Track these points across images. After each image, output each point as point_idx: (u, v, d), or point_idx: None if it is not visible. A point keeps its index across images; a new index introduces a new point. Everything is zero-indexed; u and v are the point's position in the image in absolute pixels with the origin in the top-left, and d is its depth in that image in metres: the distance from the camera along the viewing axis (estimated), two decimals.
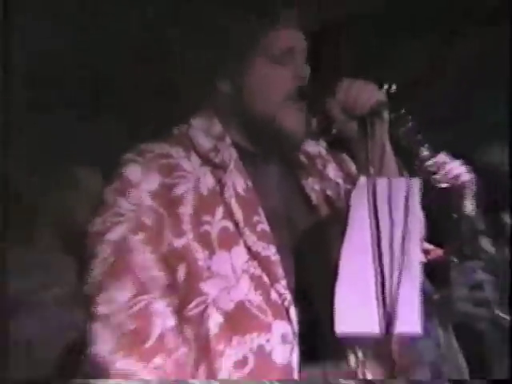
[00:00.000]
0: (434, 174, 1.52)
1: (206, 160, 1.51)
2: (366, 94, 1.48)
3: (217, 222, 1.47)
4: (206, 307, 1.43)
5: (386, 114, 1.48)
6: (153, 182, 1.48)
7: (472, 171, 1.56)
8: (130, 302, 1.42)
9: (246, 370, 1.41)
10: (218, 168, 1.51)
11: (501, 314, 1.81)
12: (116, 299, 1.41)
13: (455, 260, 1.69)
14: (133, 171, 1.48)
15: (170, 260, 1.44)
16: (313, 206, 1.60)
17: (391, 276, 1.40)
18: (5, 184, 2.05)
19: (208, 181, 1.50)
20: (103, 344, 1.39)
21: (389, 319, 1.39)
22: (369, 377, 1.51)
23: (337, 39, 1.79)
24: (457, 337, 2.02)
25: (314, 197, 1.61)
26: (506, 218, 1.75)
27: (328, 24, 1.60)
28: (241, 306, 1.43)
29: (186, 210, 1.46)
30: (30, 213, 1.93)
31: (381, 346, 1.46)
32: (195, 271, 1.44)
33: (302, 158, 1.65)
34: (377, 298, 1.40)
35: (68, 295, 1.51)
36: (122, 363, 1.37)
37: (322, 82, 1.49)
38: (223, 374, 1.40)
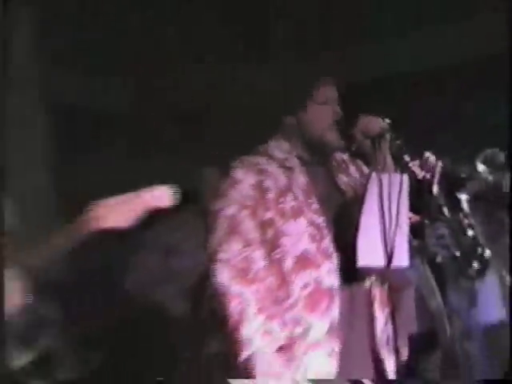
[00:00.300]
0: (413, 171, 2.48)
1: (280, 166, 2.47)
2: (375, 124, 2.43)
3: (288, 203, 2.43)
4: (284, 254, 2.40)
5: (387, 136, 2.44)
6: (250, 179, 2.44)
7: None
8: (240, 251, 2.38)
9: (308, 290, 2.38)
10: (288, 170, 2.47)
11: (456, 253, 2.80)
12: (231, 249, 2.38)
13: (427, 222, 2.63)
14: (238, 173, 2.45)
15: (263, 226, 2.40)
16: (342, 191, 2.56)
17: (390, 232, 2.36)
18: None
19: (282, 178, 2.45)
20: (223, 276, 2.36)
21: (389, 257, 2.36)
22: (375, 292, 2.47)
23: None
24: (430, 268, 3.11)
25: (342, 186, 2.57)
26: (460, 195, 2.68)
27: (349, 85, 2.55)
28: (303, 253, 2.39)
29: (271, 196, 2.42)
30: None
31: (384, 274, 2.44)
32: (277, 233, 2.40)
33: (334, 162, 2.62)
34: (382, 244, 2.36)
35: (202, 245, 2.47)
36: (234, 288, 2.33)
37: (348, 117, 2.45)
38: (295, 293, 2.36)
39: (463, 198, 2.64)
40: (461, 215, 2.69)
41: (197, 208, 3.12)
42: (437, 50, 5.10)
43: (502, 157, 2.52)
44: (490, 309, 3.40)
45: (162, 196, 2.05)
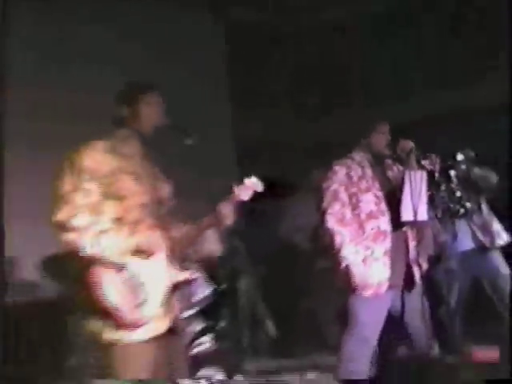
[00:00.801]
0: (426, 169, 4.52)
1: (358, 165, 4.45)
2: (407, 144, 4.46)
3: (363, 184, 4.38)
4: (361, 211, 4.37)
5: (413, 151, 4.46)
6: (343, 170, 4.43)
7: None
8: (339, 209, 4.33)
9: (373, 231, 4.34)
10: (362, 167, 4.46)
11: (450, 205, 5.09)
12: (334, 208, 4.36)
13: (435, 192, 4.78)
14: (336, 167, 4.44)
15: (350, 196, 4.38)
16: (390, 180, 4.56)
17: (416, 201, 4.37)
18: None
19: (359, 171, 4.42)
20: (330, 223, 4.41)
21: (415, 215, 4.42)
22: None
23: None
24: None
25: (390, 177, 4.58)
26: (450, 172, 5.00)
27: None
28: (370, 211, 4.36)
29: (354, 180, 4.37)
30: None
31: (414, 223, 4.49)
32: (357, 200, 4.39)
33: (386, 164, 4.62)
34: (412, 208, 4.34)
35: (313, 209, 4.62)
36: (337, 229, 4.34)
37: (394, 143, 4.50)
38: (366, 232, 4.33)
39: (452, 174, 4.79)
40: (451, 184, 4.89)
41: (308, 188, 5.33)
42: None
43: (471, 153, 4.75)
44: (464, 241, 5.62)
45: (255, 184, 3.48)
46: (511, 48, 5.72)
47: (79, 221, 3.08)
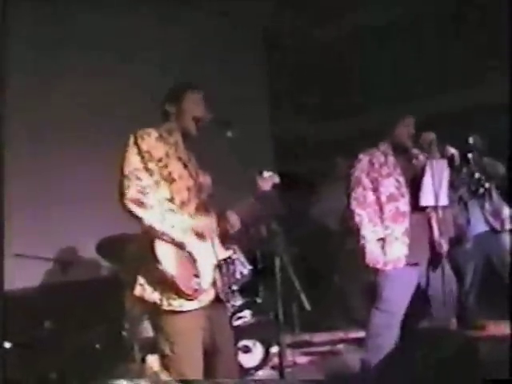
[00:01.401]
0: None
1: (382, 153, 4.86)
2: (429, 136, 4.80)
3: (384, 170, 4.82)
4: (381, 194, 4.80)
5: (434, 141, 4.83)
6: (366, 158, 4.86)
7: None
8: (361, 193, 4.82)
9: (392, 212, 4.76)
10: (385, 155, 4.85)
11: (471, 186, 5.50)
12: (357, 192, 4.83)
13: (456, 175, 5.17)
14: (361, 156, 4.89)
15: (372, 181, 4.83)
16: (415, 168, 4.89)
17: (438, 186, 4.73)
18: None
19: (382, 158, 4.84)
20: (352, 205, 4.84)
21: (437, 199, 4.78)
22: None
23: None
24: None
25: (415, 163, 4.90)
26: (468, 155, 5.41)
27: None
28: (391, 193, 4.79)
29: (376, 166, 4.83)
30: None
31: (435, 208, 4.88)
32: (378, 184, 4.82)
33: (411, 153, 4.97)
34: (433, 193, 4.73)
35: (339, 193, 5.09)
36: (357, 211, 4.81)
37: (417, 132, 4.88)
38: (386, 213, 4.76)
39: (470, 156, 5.23)
40: (470, 167, 5.32)
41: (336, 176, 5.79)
42: None
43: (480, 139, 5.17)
44: (478, 225, 6.03)
45: (271, 177, 3.89)
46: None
47: (150, 199, 3.45)
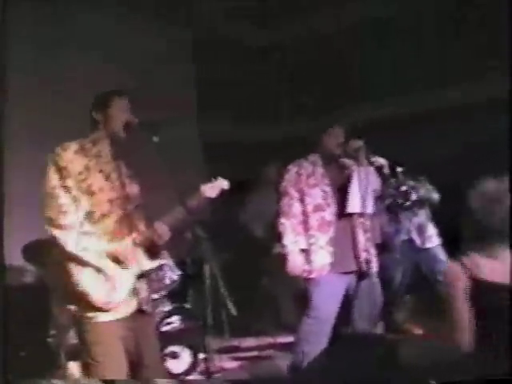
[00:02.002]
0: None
1: (310, 163, 4.94)
2: (356, 143, 4.85)
3: (312, 180, 4.91)
4: (308, 204, 4.86)
5: (362, 149, 4.86)
6: (294, 169, 4.95)
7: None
8: (287, 203, 4.91)
9: (318, 222, 4.82)
10: (314, 165, 4.92)
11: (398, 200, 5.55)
12: (284, 203, 4.90)
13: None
14: (290, 167, 4.94)
15: (298, 191, 4.90)
16: (344, 177, 4.90)
17: (364, 194, 4.82)
18: None
19: (310, 169, 4.92)
20: (279, 214, 4.88)
21: (362, 207, 4.82)
22: None
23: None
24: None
25: (344, 171, 4.95)
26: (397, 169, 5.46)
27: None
28: (317, 203, 4.86)
29: (303, 178, 4.92)
30: None
31: (360, 215, 4.94)
32: (305, 194, 4.88)
33: (339, 162, 5.02)
34: (359, 201, 4.79)
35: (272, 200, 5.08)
36: (281, 220, 4.87)
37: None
38: (312, 222, 4.81)
39: (398, 170, 5.28)
40: (398, 180, 5.38)
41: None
42: None
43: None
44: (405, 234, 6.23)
45: (221, 184, 3.98)
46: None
47: (67, 219, 3.47)
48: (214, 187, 3.95)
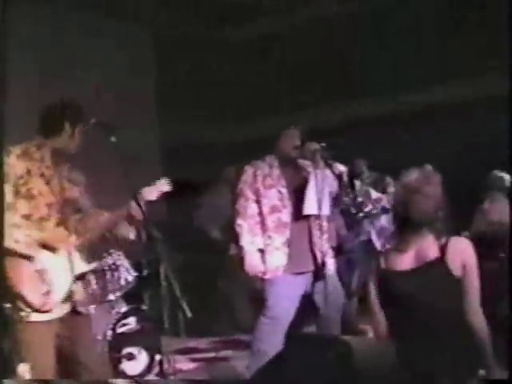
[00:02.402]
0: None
1: (267, 164, 4.94)
2: (313, 146, 4.87)
3: (268, 181, 4.91)
4: (264, 205, 4.84)
5: (319, 152, 4.87)
6: (251, 170, 4.93)
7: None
8: (243, 204, 4.86)
9: (275, 223, 4.81)
10: (271, 167, 4.93)
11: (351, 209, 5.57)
12: (240, 203, 4.89)
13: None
14: (247, 168, 4.94)
15: (255, 192, 4.88)
16: (300, 179, 4.91)
17: (320, 196, 4.84)
18: None
19: (267, 170, 4.93)
20: (236, 215, 4.88)
21: (319, 209, 4.86)
22: None
23: None
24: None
25: (302, 173, 4.94)
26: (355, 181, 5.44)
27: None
28: (274, 205, 4.84)
29: (260, 178, 4.91)
30: None
31: (317, 217, 4.95)
32: (261, 195, 4.86)
33: (297, 164, 5.01)
34: (316, 203, 4.82)
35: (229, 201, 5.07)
36: (238, 221, 4.86)
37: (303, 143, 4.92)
38: (268, 224, 4.80)
39: (356, 183, 5.30)
40: (355, 191, 5.40)
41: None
42: None
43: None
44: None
45: (162, 186, 3.89)
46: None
47: None
48: (153, 190, 3.92)
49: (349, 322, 6.15)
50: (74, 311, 3.74)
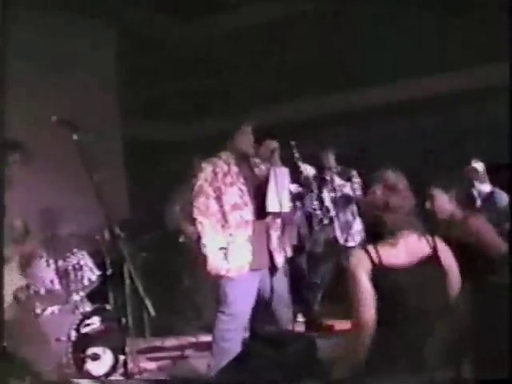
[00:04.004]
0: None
1: (225, 162, 4.91)
2: (271, 144, 4.90)
3: (228, 179, 4.89)
4: (225, 203, 4.80)
5: (277, 150, 4.92)
6: (210, 168, 4.94)
7: None
8: (203, 202, 4.84)
9: (236, 220, 4.80)
10: (228, 164, 4.93)
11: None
12: (199, 201, 4.85)
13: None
14: (204, 164, 4.96)
15: (215, 190, 4.86)
16: (257, 176, 4.95)
17: (280, 194, 4.86)
18: None
19: (225, 168, 4.89)
20: (195, 213, 4.90)
21: (280, 206, 4.90)
22: None
23: None
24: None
25: (257, 172, 4.97)
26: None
27: None
28: (235, 203, 4.80)
29: (220, 176, 4.89)
30: None
31: (278, 214, 4.98)
32: (221, 193, 4.85)
33: (252, 162, 5.05)
34: (277, 201, 4.89)
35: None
36: (199, 219, 4.85)
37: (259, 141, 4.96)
38: (230, 221, 4.82)
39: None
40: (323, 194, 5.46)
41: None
42: None
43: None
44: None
45: None
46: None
47: None
48: None
49: (313, 318, 6.22)
50: None
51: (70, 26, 7.43)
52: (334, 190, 6.34)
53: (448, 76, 7.73)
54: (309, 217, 6.34)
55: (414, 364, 3.26)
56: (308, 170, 4.95)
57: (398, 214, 3.40)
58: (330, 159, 6.56)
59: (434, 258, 3.43)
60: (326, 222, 6.31)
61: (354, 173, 6.61)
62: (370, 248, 3.41)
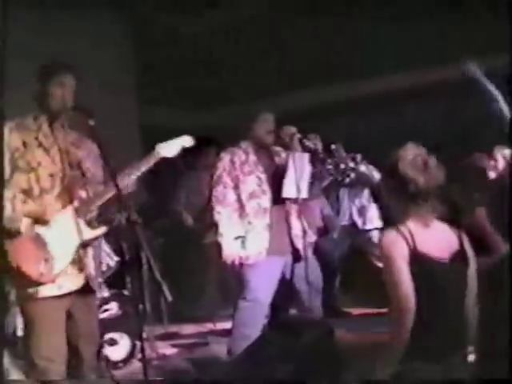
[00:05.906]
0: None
1: (243, 151, 4.94)
2: (290, 130, 4.86)
3: (246, 168, 4.91)
4: (242, 191, 4.83)
5: (296, 135, 4.86)
6: (228, 157, 4.93)
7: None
8: (222, 191, 4.85)
9: (254, 209, 4.82)
10: (247, 154, 4.94)
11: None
12: (218, 191, 4.86)
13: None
14: (223, 154, 4.93)
15: (233, 179, 4.88)
16: (277, 164, 4.99)
17: (299, 180, 4.83)
18: None
19: (243, 157, 4.92)
20: (214, 202, 4.86)
21: (299, 192, 4.86)
22: None
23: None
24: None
25: (276, 160, 4.99)
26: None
27: None
28: (252, 191, 4.83)
29: (237, 165, 4.91)
30: None
31: (295, 200, 4.93)
32: (239, 182, 4.85)
33: (273, 149, 5.03)
34: (295, 186, 4.82)
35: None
36: (217, 208, 4.85)
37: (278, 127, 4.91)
38: (247, 210, 4.81)
39: (333, 147, 5.31)
40: (335, 158, 5.38)
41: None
42: None
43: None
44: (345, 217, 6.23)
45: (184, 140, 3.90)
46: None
47: None
48: (173, 145, 3.87)
49: (331, 304, 6.16)
50: (85, 287, 3.63)
51: (82, 21, 7.39)
52: (347, 175, 6.28)
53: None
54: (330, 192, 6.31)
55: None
56: (315, 145, 4.87)
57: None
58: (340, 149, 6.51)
59: (461, 254, 3.10)
60: (347, 181, 6.25)
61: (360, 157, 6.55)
62: (403, 227, 3.02)
